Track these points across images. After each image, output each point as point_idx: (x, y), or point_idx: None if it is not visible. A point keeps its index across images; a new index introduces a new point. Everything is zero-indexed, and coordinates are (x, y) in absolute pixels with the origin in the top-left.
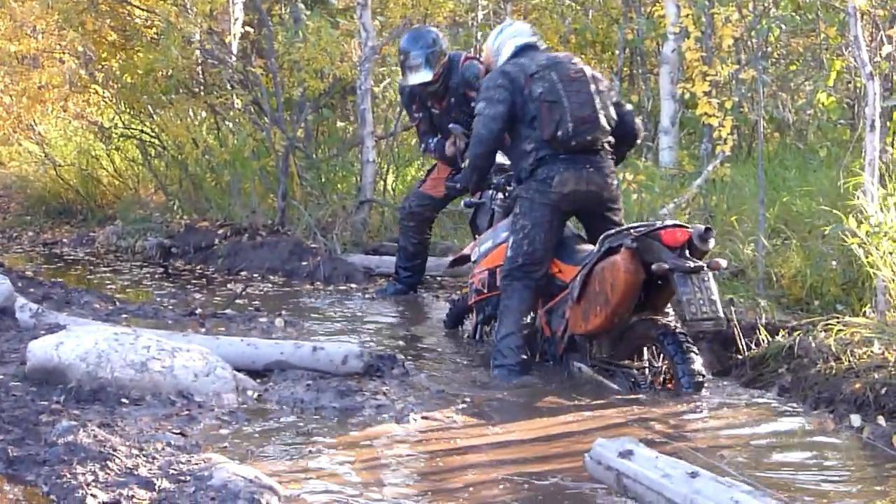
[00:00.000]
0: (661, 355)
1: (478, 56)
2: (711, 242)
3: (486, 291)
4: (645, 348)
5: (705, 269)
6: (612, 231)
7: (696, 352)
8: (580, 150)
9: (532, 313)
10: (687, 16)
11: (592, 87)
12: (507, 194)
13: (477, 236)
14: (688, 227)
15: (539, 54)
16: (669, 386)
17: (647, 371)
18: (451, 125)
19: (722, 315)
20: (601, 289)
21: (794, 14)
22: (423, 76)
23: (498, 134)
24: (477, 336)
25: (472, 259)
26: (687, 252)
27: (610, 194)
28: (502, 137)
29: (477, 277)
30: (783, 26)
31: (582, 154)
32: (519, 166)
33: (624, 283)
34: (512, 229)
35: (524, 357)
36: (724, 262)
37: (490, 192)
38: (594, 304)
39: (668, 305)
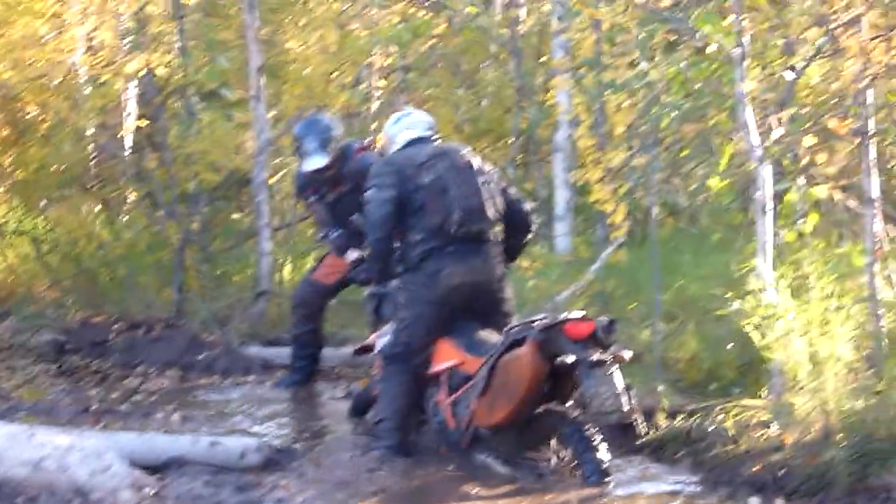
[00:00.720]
0: (567, 445)
1: (369, 146)
2: (615, 334)
3: None
4: (550, 439)
5: (610, 361)
6: (517, 324)
7: (600, 442)
8: (467, 240)
9: (433, 404)
10: (578, 104)
11: (480, 178)
12: None
13: (379, 326)
14: (592, 320)
15: (428, 145)
16: (575, 475)
17: (551, 462)
18: (353, 217)
19: (627, 408)
20: (506, 381)
21: (683, 101)
22: (318, 161)
23: (390, 216)
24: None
25: (377, 349)
26: (591, 344)
27: (498, 285)
28: (395, 220)
29: (377, 367)
30: (674, 112)
31: (469, 245)
32: (406, 255)
33: (529, 376)
34: (395, 317)
35: (401, 438)
36: (628, 354)
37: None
38: (499, 397)
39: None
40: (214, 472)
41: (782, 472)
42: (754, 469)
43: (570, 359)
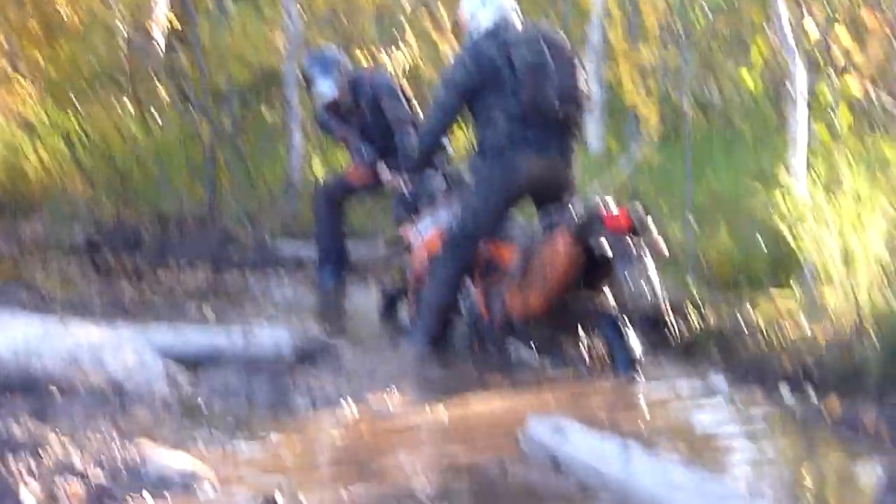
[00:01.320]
0: (599, 336)
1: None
2: (652, 225)
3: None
4: (582, 329)
5: (644, 250)
6: (553, 211)
7: (633, 332)
8: (555, 124)
9: (470, 296)
10: (611, 0)
11: (575, 62)
12: (447, 178)
13: (412, 221)
14: (628, 209)
15: (518, 25)
16: (606, 366)
17: (583, 352)
18: (360, 148)
19: (661, 296)
20: (540, 269)
21: None
22: (330, 92)
23: (449, 125)
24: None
25: (412, 240)
26: (627, 232)
27: (569, 180)
28: (453, 126)
29: (416, 260)
30: (707, 8)
31: (552, 135)
32: (485, 139)
33: (563, 264)
34: (460, 198)
35: (439, 330)
36: (664, 246)
37: (430, 174)
38: (533, 284)
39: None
40: (247, 364)
41: (813, 366)
42: (784, 363)
43: (606, 247)
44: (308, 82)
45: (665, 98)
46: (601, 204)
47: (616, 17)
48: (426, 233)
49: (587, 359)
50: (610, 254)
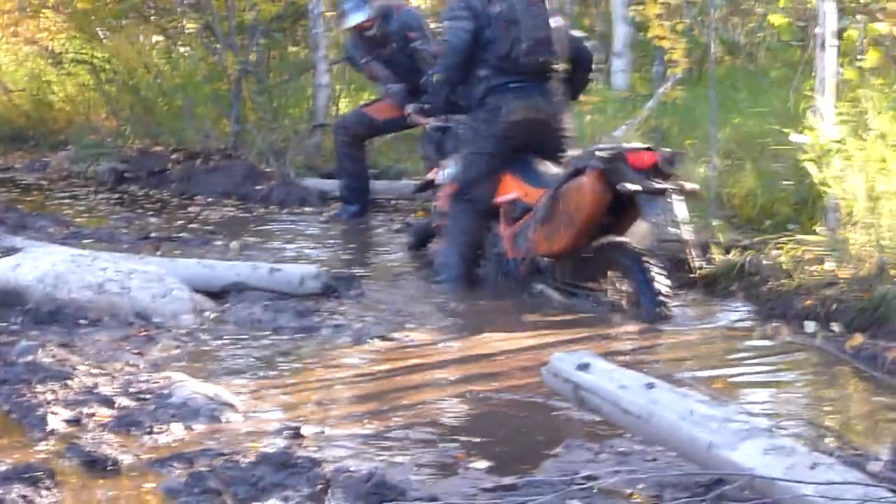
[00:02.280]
0: (625, 277)
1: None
2: (677, 166)
3: None
4: (609, 272)
5: (671, 190)
6: (580, 153)
7: (662, 275)
8: (532, 72)
9: (493, 236)
10: None
11: (548, 12)
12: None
13: (438, 162)
14: (654, 150)
15: None
16: (632, 307)
17: (609, 294)
18: (388, 87)
19: (687, 237)
20: (566, 210)
21: None
22: (358, 17)
23: (468, 44)
24: None
25: (437, 182)
26: (653, 173)
27: (559, 121)
28: (471, 50)
29: (442, 200)
30: None
31: (533, 81)
32: (470, 94)
33: (590, 204)
34: (460, 154)
35: (464, 270)
36: (689, 185)
37: (456, 118)
38: (559, 225)
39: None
40: (273, 297)
41: (835, 305)
42: (807, 303)
43: (633, 186)
44: (338, 6)
45: (691, 37)
46: (628, 146)
47: None
48: (451, 173)
49: (613, 299)
50: (634, 190)
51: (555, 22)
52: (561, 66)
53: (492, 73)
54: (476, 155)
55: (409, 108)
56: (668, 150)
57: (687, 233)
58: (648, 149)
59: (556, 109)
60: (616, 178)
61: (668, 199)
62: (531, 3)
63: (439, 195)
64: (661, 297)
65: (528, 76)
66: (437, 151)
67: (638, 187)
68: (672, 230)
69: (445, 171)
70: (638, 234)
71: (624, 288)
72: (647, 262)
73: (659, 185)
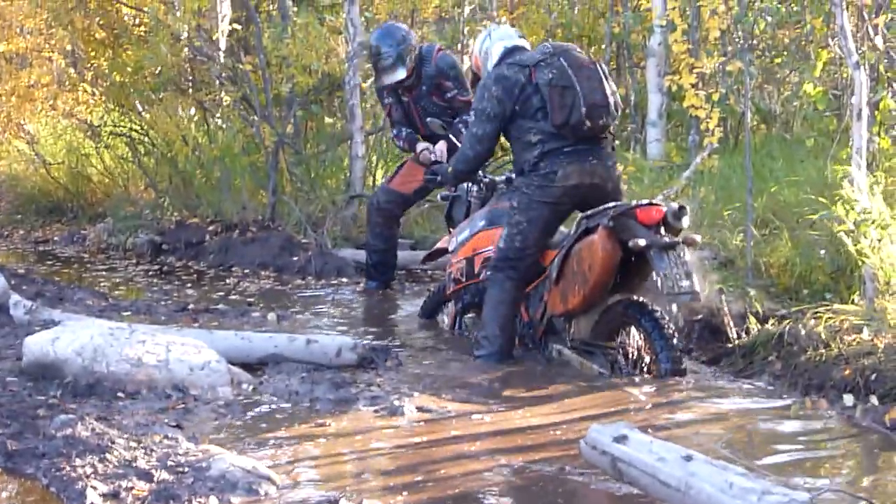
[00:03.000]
0: (641, 337)
1: (450, 49)
2: (686, 220)
3: (463, 280)
4: (623, 330)
5: (681, 244)
6: (589, 212)
7: (675, 332)
8: (589, 137)
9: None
10: (673, 9)
11: (601, 72)
12: (482, 186)
13: (452, 229)
14: (662, 205)
15: (529, 49)
16: (650, 367)
17: (626, 351)
18: (428, 119)
19: (699, 289)
20: (579, 268)
21: (779, 6)
22: (398, 75)
23: (486, 155)
24: (456, 326)
25: (450, 249)
26: (662, 229)
27: (614, 185)
28: (490, 156)
29: (455, 266)
30: (769, 18)
31: (587, 145)
32: (522, 158)
33: (602, 262)
34: (507, 221)
35: (505, 345)
36: (698, 238)
37: (466, 184)
38: (572, 283)
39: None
40: (310, 369)
41: (874, 376)
42: (846, 373)
43: (642, 242)
44: (376, 57)
45: (725, 106)
46: (636, 202)
47: (677, 25)
48: (461, 239)
49: (631, 359)
50: (644, 245)
51: (608, 85)
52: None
53: (545, 137)
54: (529, 223)
55: (420, 148)
56: (675, 204)
57: (698, 284)
58: (656, 204)
59: (610, 172)
60: (626, 234)
61: (679, 253)
62: (582, 65)
63: (452, 261)
64: (677, 354)
65: (583, 140)
66: (447, 219)
67: (647, 242)
68: (684, 283)
69: (458, 238)
70: (651, 290)
71: (640, 345)
72: (662, 319)
73: (668, 238)
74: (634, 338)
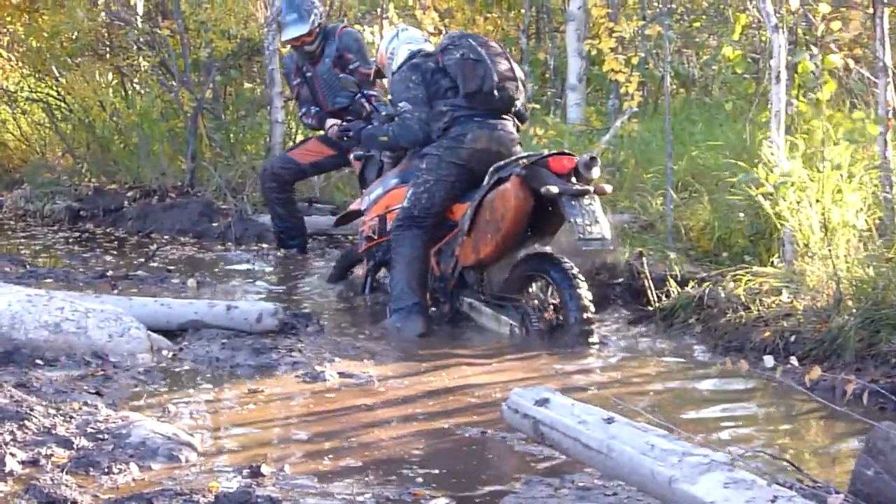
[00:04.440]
0: (550, 289)
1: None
2: (596, 170)
3: (376, 237)
4: (534, 282)
5: (591, 192)
6: (501, 163)
7: (586, 285)
8: (498, 107)
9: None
10: None
11: (506, 53)
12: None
13: (363, 190)
14: (573, 155)
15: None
16: (559, 319)
17: (536, 303)
18: (342, 75)
19: (609, 236)
20: (492, 217)
21: None
22: (298, 29)
23: (429, 134)
24: (367, 285)
25: (362, 208)
26: (574, 179)
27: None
28: (426, 123)
29: (367, 225)
30: None
31: (495, 116)
32: (433, 128)
33: (514, 210)
34: (413, 181)
35: (419, 300)
36: (608, 188)
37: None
38: (485, 233)
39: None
40: (231, 336)
41: (793, 337)
42: (765, 335)
43: (554, 189)
44: (280, 16)
45: (645, 70)
46: (549, 152)
47: None
48: (373, 198)
49: (541, 311)
50: (555, 193)
51: (514, 64)
52: (520, 102)
53: (455, 108)
54: (436, 182)
55: (329, 124)
56: (587, 154)
57: (608, 231)
58: (568, 154)
59: (513, 147)
60: (538, 182)
61: (590, 201)
62: (490, 45)
63: (365, 220)
64: (587, 307)
65: (491, 111)
66: (359, 179)
67: (558, 190)
68: (595, 229)
69: (370, 196)
70: (563, 243)
71: (550, 297)
72: (573, 272)
73: (579, 186)
74: (547, 292)
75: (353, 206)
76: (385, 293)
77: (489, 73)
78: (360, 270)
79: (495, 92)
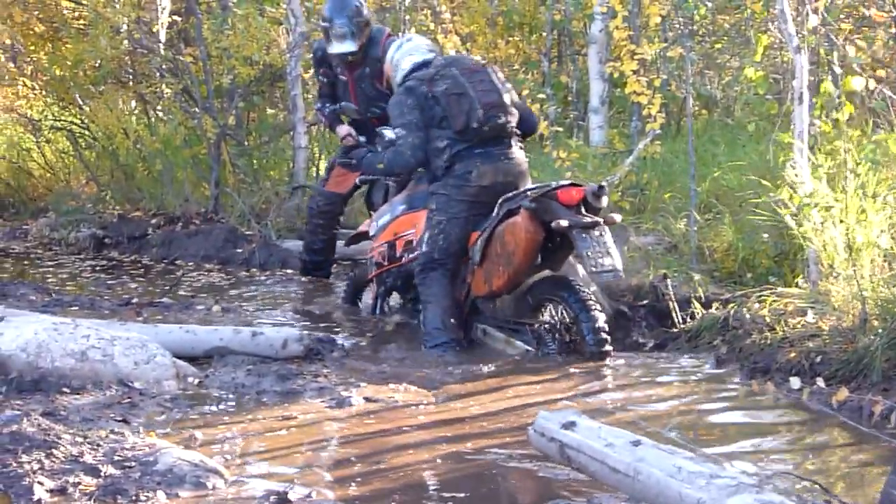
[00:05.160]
0: (565, 313)
1: (394, 35)
2: (605, 199)
3: (385, 264)
4: (548, 306)
5: (601, 223)
6: (509, 194)
7: (600, 309)
8: (493, 136)
9: None
10: None
11: (493, 75)
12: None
13: (372, 212)
14: (582, 186)
15: (436, 59)
16: (575, 344)
17: (551, 328)
18: (342, 103)
19: (620, 267)
20: (503, 251)
21: None
22: (348, 46)
23: (423, 159)
24: (377, 310)
25: (371, 234)
26: (583, 209)
27: (525, 183)
28: (426, 146)
29: (376, 251)
30: (709, 3)
31: (495, 144)
32: (434, 165)
33: (525, 243)
34: (427, 223)
35: (455, 336)
36: (618, 217)
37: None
38: (496, 265)
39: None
40: (256, 362)
41: (819, 358)
42: (791, 356)
43: (564, 223)
44: (328, 26)
45: (667, 92)
46: (556, 183)
47: (618, 11)
48: (382, 224)
49: (555, 335)
50: (565, 225)
51: (501, 86)
52: (516, 121)
53: (452, 142)
54: (449, 222)
55: (343, 133)
56: (595, 184)
57: (619, 261)
58: (576, 184)
59: (522, 171)
60: (548, 215)
61: (600, 232)
62: (473, 71)
63: (374, 246)
64: (602, 331)
65: (489, 141)
66: (367, 203)
67: (568, 223)
68: (606, 261)
69: (378, 222)
70: (573, 267)
71: (566, 322)
72: (587, 297)
73: (589, 218)
74: (560, 314)
75: (362, 228)
76: (401, 314)
77: (473, 106)
78: (368, 294)
79: (484, 127)
